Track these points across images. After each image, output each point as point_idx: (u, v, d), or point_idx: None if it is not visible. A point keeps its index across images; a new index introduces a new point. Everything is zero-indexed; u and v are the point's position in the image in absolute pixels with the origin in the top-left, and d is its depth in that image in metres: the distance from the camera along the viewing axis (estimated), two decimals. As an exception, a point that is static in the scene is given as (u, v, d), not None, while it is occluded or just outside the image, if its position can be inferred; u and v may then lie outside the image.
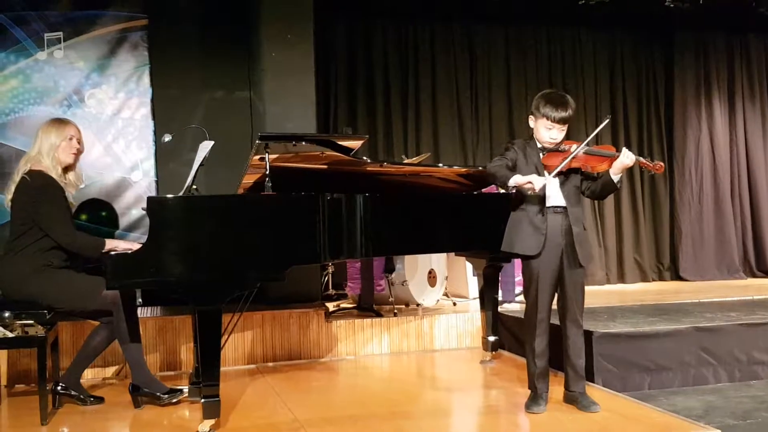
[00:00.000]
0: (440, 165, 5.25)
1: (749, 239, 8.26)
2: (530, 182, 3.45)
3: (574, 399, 3.68)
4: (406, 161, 5.79)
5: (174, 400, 3.91)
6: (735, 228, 8.19)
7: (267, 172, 3.72)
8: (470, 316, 5.47)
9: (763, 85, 8.46)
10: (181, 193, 3.86)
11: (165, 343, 4.82)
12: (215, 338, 3.40)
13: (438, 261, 6.04)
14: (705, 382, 4.44)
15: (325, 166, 4.20)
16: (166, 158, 5.80)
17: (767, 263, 8.19)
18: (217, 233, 3.41)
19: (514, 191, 3.63)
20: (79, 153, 4.04)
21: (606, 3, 7.04)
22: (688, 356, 4.43)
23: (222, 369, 3.49)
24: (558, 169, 3.50)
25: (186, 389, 3.99)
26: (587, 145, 3.58)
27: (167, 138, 4.34)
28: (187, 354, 4.80)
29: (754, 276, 8.18)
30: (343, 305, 5.97)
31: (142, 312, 5.04)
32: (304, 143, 3.85)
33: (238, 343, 4.91)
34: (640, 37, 8.17)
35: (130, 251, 3.59)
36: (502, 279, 5.58)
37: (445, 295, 6.29)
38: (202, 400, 3.41)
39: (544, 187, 3.50)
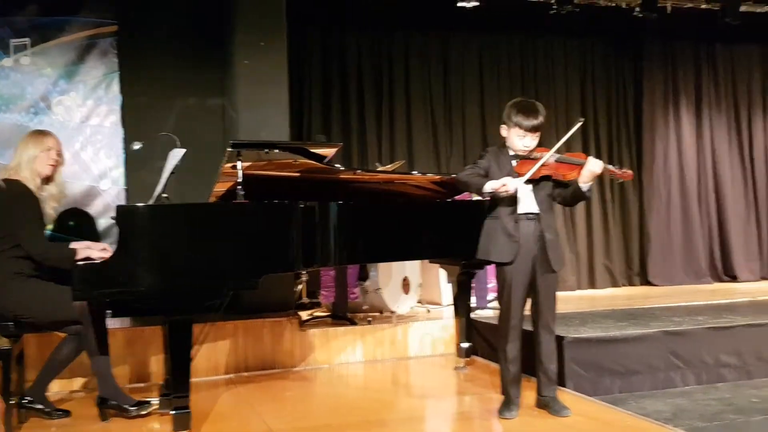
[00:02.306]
0: (414, 173, 5.26)
1: (716, 245, 8.40)
2: (504, 184, 3.47)
3: (546, 404, 3.70)
4: (380, 169, 5.79)
5: (143, 413, 3.86)
6: (702, 234, 8.32)
7: (239, 180, 3.70)
8: (444, 323, 5.48)
9: (728, 93, 8.61)
10: (150, 202, 3.82)
11: (135, 354, 4.74)
12: (186, 349, 3.37)
13: (412, 268, 6.04)
14: (673, 385, 4.50)
15: (299, 174, 4.18)
16: (136, 166, 5.70)
17: (734, 268, 8.33)
18: (188, 242, 3.38)
19: (488, 198, 3.64)
20: (57, 164, 3.97)
21: (577, 12, 7.12)
22: (657, 360, 4.48)
23: (193, 380, 3.46)
24: (528, 176, 3.53)
25: (156, 401, 3.94)
26: (558, 152, 3.61)
27: (137, 146, 4.30)
28: (157, 365, 4.73)
29: (720, 281, 8.30)
30: (316, 313, 5.94)
31: (111, 323, 4.92)
32: (276, 151, 3.84)
33: (209, 354, 4.85)
34: (611, 46, 8.27)
35: (101, 259, 3.53)
36: (476, 285, 5.61)
37: (419, 302, 6.29)
38: (172, 412, 3.38)
39: (517, 191, 3.53)
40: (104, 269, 3.27)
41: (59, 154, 3.97)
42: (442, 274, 6.22)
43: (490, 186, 3.51)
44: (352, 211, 4.04)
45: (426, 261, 5.78)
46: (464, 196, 5.49)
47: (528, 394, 3.82)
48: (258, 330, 5.02)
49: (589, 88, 8.19)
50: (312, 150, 4.02)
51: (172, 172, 3.90)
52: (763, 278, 8.43)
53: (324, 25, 7.28)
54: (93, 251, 3.82)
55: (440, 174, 5.02)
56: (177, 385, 3.36)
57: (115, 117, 5.76)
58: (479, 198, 5.43)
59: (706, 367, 4.60)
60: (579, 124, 3.70)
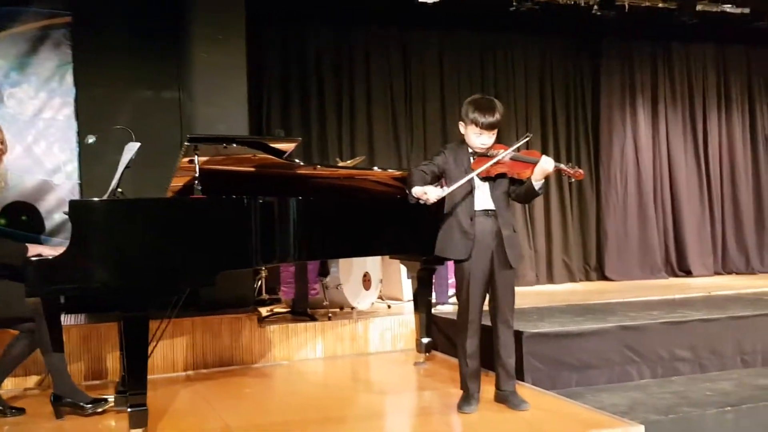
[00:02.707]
0: (375, 168, 5.25)
1: (671, 241, 8.56)
2: (425, 192, 3.54)
3: (504, 398, 3.74)
4: (340, 164, 5.76)
5: (99, 410, 3.80)
6: (657, 230, 8.47)
7: (196, 175, 3.67)
8: (404, 319, 5.49)
9: (684, 91, 8.77)
10: (105, 197, 3.76)
11: (90, 351, 4.67)
12: (142, 346, 3.34)
13: (373, 264, 6.04)
14: (629, 378, 4.56)
15: (257, 169, 4.16)
16: (90, 160, 5.60)
17: (688, 263, 8.50)
18: (144, 237, 3.34)
19: (412, 200, 3.66)
20: (1, 153, 3.88)
21: (537, 10, 7.18)
22: (614, 354, 4.55)
23: (150, 377, 3.43)
24: (477, 172, 3.56)
25: (112, 398, 3.89)
26: (512, 151, 3.65)
27: (91, 139, 4.21)
28: (113, 362, 4.67)
29: (675, 276, 8.47)
30: (276, 310, 5.90)
31: (66, 319, 4.87)
32: (235, 145, 3.81)
33: (167, 351, 4.80)
34: (569, 43, 8.37)
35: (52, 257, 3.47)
36: (436, 281, 5.62)
37: (380, 298, 6.29)
38: (129, 410, 3.34)
39: (474, 187, 3.59)
40: (58, 265, 3.21)
41: (2, 142, 3.87)
42: (403, 270, 6.23)
43: (414, 192, 3.58)
44: (311, 206, 4.03)
45: (386, 257, 5.79)
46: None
47: (487, 388, 3.84)
48: (216, 326, 4.97)
49: (547, 85, 8.28)
50: (271, 145, 4.00)
51: (127, 167, 3.84)
52: (717, 273, 8.63)
53: (283, 18, 7.22)
54: (45, 249, 3.74)
55: (401, 170, 5.02)
56: (133, 382, 3.33)
57: (69, 110, 5.65)
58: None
59: (661, 361, 4.67)
60: (526, 139, 3.76)
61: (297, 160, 4.31)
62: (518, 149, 3.69)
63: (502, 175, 3.67)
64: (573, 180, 3.67)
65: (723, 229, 8.82)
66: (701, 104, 8.82)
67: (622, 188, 8.40)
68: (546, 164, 3.55)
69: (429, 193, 3.53)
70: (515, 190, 3.70)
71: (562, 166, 3.61)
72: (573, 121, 8.37)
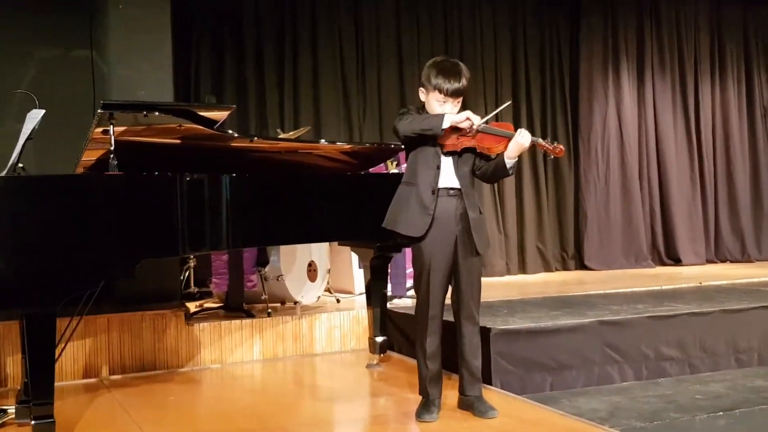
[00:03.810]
0: (321, 141, 5.25)
1: (658, 224, 8.74)
2: (468, 118, 3.50)
3: (469, 404, 3.77)
4: (281, 136, 5.75)
5: (-2, 423, 3.75)
6: (643, 212, 8.64)
7: (112, 148, 3.62)
8: (356, 314, 5.51)
9: (674, 54, 8.92)
10: (3, 173, 3.68)
11: (-13, 354, 4.61)
12: (48, 348, 3.29)
13: (319, 252, 6.03)
14: (610, 381, 4.65)
15: (184, 142, 4.12)
16: (-14, 130, 5.51)
17: (677, 250, 8.69)
18: (49, 221, 3.30)
19: (443, 132, 3.56)
20: None
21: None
22: (592, 353, 4.63)
23: (57, 384, 3.42)
24: (489, 117, 3.57)
25: (12, 409, 3.84)
26: (486, 122, 3.66)
27: (-13, 106, 4.12)
28: (13, 367, 4.60)
29: (663, 264, 8.67)
30: (207, 305, 5.88)
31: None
32: (157, 114, 3.76)
33: (77, 353, 4.75)
34: (545, 0, 8.43)
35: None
36: (392, 271, 5.66)
37: (328, 290, 6.30)
38: (33, 422, 3.30)
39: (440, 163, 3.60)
40: (-56, 254, 3.14)
41: None
42: (354, 258, 6.24)
43: (450, 120, 3.49)
44: (248, 185, 4.02)
45: (335, 243, 5.79)
46: (379, 168, 5.52)
47: (450, 393, 3.88)
48: (136, 324, 4.93)
49: (520, 47, 8.36)
50: (200, 113, 3.96)
51: (29, 137, 3.76)
52: (710, 261, 8.86)
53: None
54: None
55: (352, 143, 5.02)
56: (38, 391, 3.29)
57: (-40, 71, 5.52)
58: (396, 171, 5.48)
59: (646, 360, 4.77)
60: (507, 104, 3.77)
61: (230, 131, 4.28)
62: (488, 122, 3.70)
63: (469, 150, 3.68)
64: (552, 157, 3.70)
65: (716, 212, 9.04)
66: (693, 70, 9.01)
67: (604, 164, 8.53)
68: (522, 139, 3.56)
69: (473, 117, 3.50)
70: (481, 166, 3.72)
71: (540, 141, 3.63)
72: (548, 88, 8.47)
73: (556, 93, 8.50)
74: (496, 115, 3.87)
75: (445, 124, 3.50)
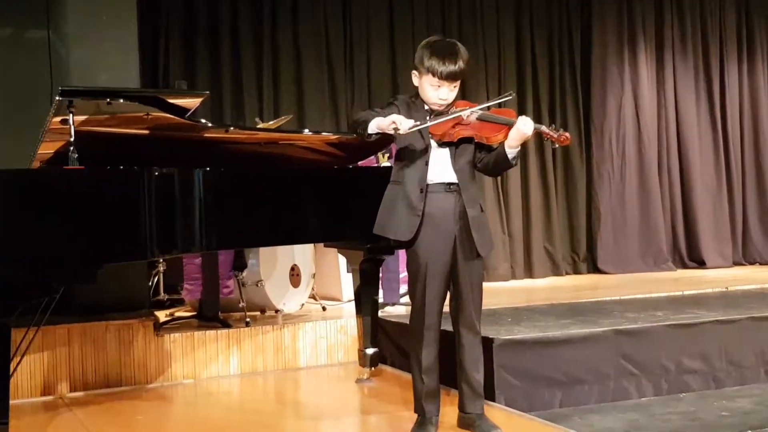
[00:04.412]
0: (305, 131, 5.25)
1: (679, 223, 8.74)
2: (393, 122, 3.47)
3: (470, 422, 3.78)
4: (260, 126, 5.75)
5: (-54, 447, 3.75)
6: (663, 209, 8.64)
7: (72, 140, 3.63)
8: (344, 324, 5.52)
9: (697, 34, 8.92)
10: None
11: (-67, 370, 4.60)
12: (1, 363, 3.30)
13: (303, 254, 6.04)
14: (627, 396, 4.66)
15: (152, 132, 4.13)
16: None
17: (700, 251, 8.69)
18: (1, 221, 3.30)
19: (373, 138, 3.61)
20: None
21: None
22: (607, 366, 4.64)
23: (13, 402, 3.40)
24: (430, 124, 3.55)
25: (-37, 431, 3.83)
26: (481, 109, 3.67)
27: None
28: (-36, 384, 4.60)
29: (685, 267, 8.68)
30: (178, 314, 5.89)
31: None
32: (122, 101, 3.77)
33: (34, 368, 4.75)
34: (553, -25, 8.47)
35: None
36: (384, 276, 5.66)
37: (313, 297, 6.30)
38: (-15, 444, 3.31)
39: (429, 155, 3.59)
40: None
41: None
42: (342, 261, 6.24)
43: (375, 124, 3.52)
44: (223, 180, 4.04)
45: (321, 245, 5.80)
46: (369, 161, 5.53)
47: (448, 410, 3.89)
48: (100, 335, 4.94)
49: (525, 28, 8.37)
50: (170, 101, 3.97)
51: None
52: (737, 264, 8.86)
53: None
54: None
55: (339, 133, 5.02)
56: (-10, 410, 3.30)
57: None
58: (388, 164, 5.48)
59: (666, 374, 4.78)
60: (506, 98, 3.79)
61: (203, 121, 4.29)
62: (489, 108, 3.71)
63: (467, 140, 3.69)
64: (557, 146, 3.72)
65: (744, 209, 9.05)
66: (718, 51, 9.01)
67: (619, 157, 8.54)
68: (524, 127, 3.57)
69: (400, 123, 3.45)
70: (482, 158, 3.73)
71: (544, 128, 3.64)
72: (557, 73, 8.48)
73: (566, 77, 8.50)
74: (499, 103, 3.88)
75: (371, 129, 3.53)
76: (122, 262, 3.75)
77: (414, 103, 3.73)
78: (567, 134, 3.63)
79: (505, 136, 3.60)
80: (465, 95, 3.77)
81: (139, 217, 3.60)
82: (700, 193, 8.76)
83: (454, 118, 3.59)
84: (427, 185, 3.64)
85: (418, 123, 3.52)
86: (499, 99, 3.80)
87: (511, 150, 3.61)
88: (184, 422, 4.42)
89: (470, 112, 3.63)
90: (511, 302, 6.07)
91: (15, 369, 3.70)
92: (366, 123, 3.57)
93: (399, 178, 3.70)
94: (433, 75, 3.62)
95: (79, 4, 5.45)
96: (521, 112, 3.83)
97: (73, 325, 4.89)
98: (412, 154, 3.64)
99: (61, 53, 5.62)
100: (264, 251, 5.73)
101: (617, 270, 8.34)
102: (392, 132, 3.50)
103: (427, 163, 3.63)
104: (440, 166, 3.66)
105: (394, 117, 3.48)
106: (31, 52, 5.84)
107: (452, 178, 3.67)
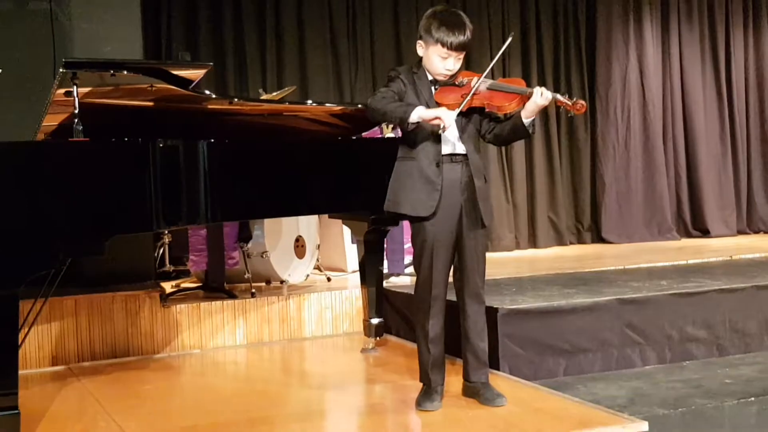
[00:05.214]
0: (309, 102, 5.24)
1: (684, 192, 8.74)
2: (438, 116, 3.45)
3: (475, 391, 3.81)
4: (263, 97, 5.74)
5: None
6: (668, 178, 8.62)
7: (76, 112, 3.64)
8: (349, 294, 5.54)
9: (702, 3, 8.84)
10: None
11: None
12: (10, 333, 3.32)
13: (307, 226, 6.06)
14: (630, 365, 4.68)
15: (156, 104, 4.12)
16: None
17: (705, 220, 8.70)
18: (7, 194, 3.31)
19: (412, 128, 3.57)
20: None
21: None
22: (611, 334, 4.66)
23: (21, 372, 3.42)
24: (460, 109, 3.53)
25: (-27, 401, 3.86)
26: (491, 78, 3.65)
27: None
28: (-28, 355, 4.63)
29: (689, 236, 8.68)
30: (184, 285, 5.91)
31: None
32: (126, 73, 3.77)
33: (42, 339, 4.78)
34: (556, -61, 8.40)
35: None
36: (389, 246, 5.68)
37: (317, 268, 6.33)
38: (-5, 414, 3.33)
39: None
40: None
41: None
42: (347, 232, 6.26)
43: (418, 115, 3.47)
44: (227, 152, 4.04)
45: (325, 216, 5.81)
46: (373, 132, 5.53)
47: (453, 380, 3.91)
48: (107, 307, 4.97)
49: (530, -6, 8.31)
50: (173, 72, 3.96)
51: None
52: (741, 233, 8.86)
53: None
54: None
55: (342, 104, 5.01)
56: (0, 380, 3.31)
57: None
58: (392, 135, 5.47)
59: (669, 342, 4.80)
60: (509, 40, 3.75)
61: (207, 92, 4.28)
62: (493, 75, 3.69)
63: (477, 110, 3.68)
64: (573, 114, 3.69)
65: (749, 178, 9.04)
66: (724, 18, 8.94)
67: (624, 126, 8.51)
68: (541, 99, 3.52)
69: (445, 117, 3.43)
70: (492, 128, 3.72)
71: (560, 96, 3.57)
72: (562, 40, 8.42)
73: (570, 45, 8.45)
74: (504, 71, 3.87)
75: (412, 119, 3.48)
76: (128, 234, 3.74)
77: (417, 75, 3.70)
78: (582, 101, 3.56)
79: (517, 105, 3.58)
80: (469, 65, 3.74)
81: (144, 189, 3.61)
82: (705, 161, 8.73)
83: (472, 92, 3.55)
84: (442, 157, 3.64)
85: (456, 110, 3.49)
86: (503, 48, 3.75)
87: (528, 119, 3.59)
88: (191, 391, 4.45)
89: (481, 82, 3.60)
90: (516, 272, 6.09)
91: (23, 340, 3.72)
92: (387, 114, 3.56)
93: (411, 153, 3.66)
94: (442, 45, 3.60)
95: (82, -24, 5.44)
96: (526, 81, 3.80)
97: (80, 297, 4.92)
98: (423, 127, 3.58)
99: (65, 25, 5.60)
100: (269, 222, 5.74)
101: (621, 239, 8.35)
102: (435, 128, 3.48)
103: (440, 137, 3.59)
104: (448, 137, 3.64)
105: (440, 112, 3.46)
106: (34, 24, 5.81)
107: (460, 148, 3.66)
